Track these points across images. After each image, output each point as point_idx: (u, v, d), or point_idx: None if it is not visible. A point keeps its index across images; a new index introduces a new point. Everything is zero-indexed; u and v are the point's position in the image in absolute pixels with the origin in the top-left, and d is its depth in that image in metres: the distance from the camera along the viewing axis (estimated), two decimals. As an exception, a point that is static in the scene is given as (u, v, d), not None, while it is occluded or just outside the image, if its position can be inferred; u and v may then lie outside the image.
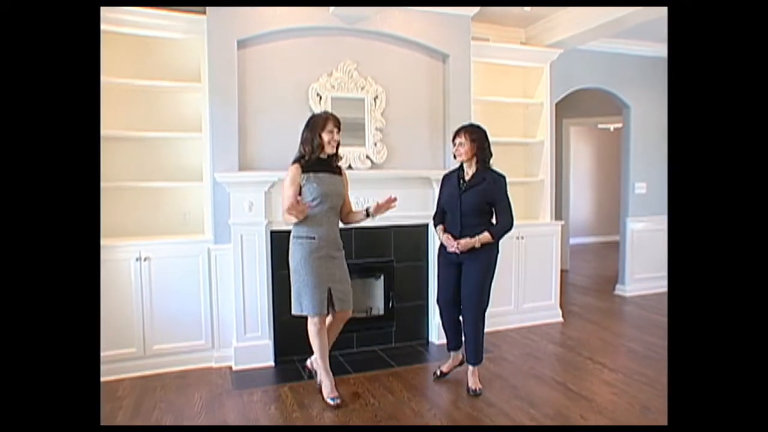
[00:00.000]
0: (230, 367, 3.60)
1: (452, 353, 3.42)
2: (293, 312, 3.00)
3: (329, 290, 2.95)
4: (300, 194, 2.88)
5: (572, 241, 8.07)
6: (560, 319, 4.71)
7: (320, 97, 3.77)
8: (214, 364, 3.63)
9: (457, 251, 3.07)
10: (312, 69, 3.77)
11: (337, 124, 2.96)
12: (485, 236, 3.03)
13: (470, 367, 3.22)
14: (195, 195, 3.84)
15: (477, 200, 3.05)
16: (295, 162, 2.93)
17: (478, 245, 3.03)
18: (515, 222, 3.14)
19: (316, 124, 2.92)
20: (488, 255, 3.10)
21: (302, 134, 2.95)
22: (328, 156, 2.96)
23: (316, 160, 2.92)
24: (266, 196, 3.57)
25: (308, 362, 3.32)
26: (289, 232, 3.58)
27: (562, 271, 4.99)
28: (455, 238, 3.10)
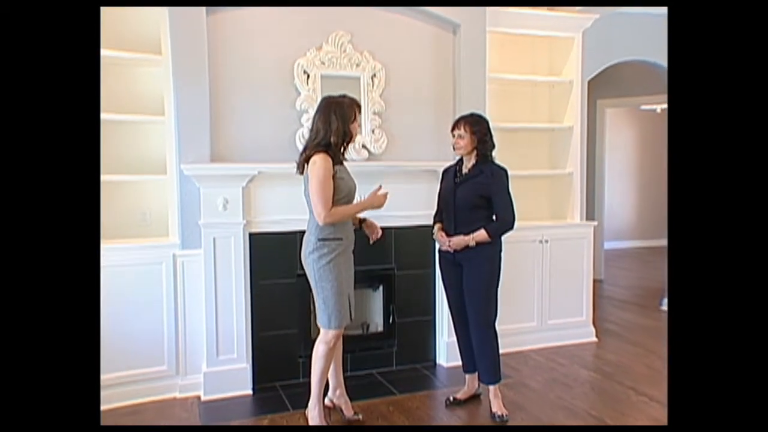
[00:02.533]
0: (198, 397, 3.56)
1: (467, 376, 3.46)
2: (323, 327, 3.01)
3: (348, 297, 3.03)
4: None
5: (607, 245, 8.00)
6: (593, 338, 4.67)
7: (308, 75, 3.75)
8: (178, 395, 3.59)
9: (450, 249, 3.20)
10: (298, 41, 3.75)
11: (360, 110, 3.05)
12: (480, 234, 3.12)
13: (490, 389, 3.26)
14: (157, 190, 3.79)
15: (471, 194, 3.18)
16: (320, 151, 2.91)
17: (472, 243, 3.14)
18: (516, 221, 3.23)
19: (347, 112, 2.96)
20: (489, 256, 3.19)
21: (326, 121, 2.93)
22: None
23: (337, 150, 2.99)
24: (244, 192, 3.56)
25: (326, 400, 3.27)
26: (274, 234, 3.65)
27: (595, 281, 4.96)
28: (449, 235, 3.23)
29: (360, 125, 3.06)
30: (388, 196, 3.06)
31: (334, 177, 2.90)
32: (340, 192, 2.93)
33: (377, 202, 3.04)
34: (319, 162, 2.87)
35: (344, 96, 3.03)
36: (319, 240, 2.94)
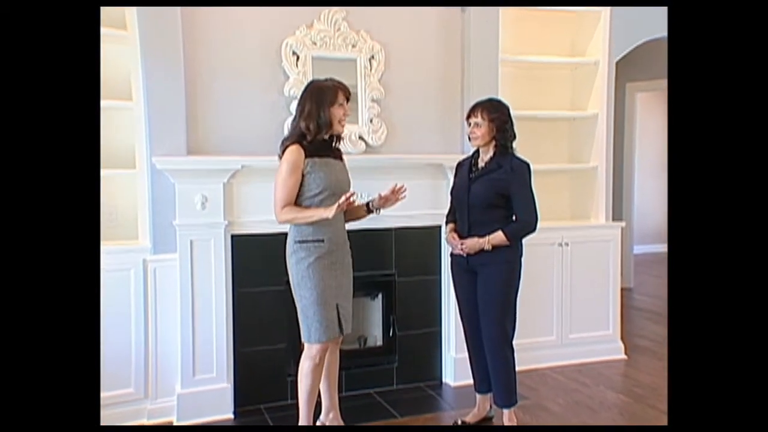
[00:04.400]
0: (171, 423, 3.53)
1: (478, 397, 3.45)
2: (305, 340, 3.03)
3: (336, 307, 3.02)
4: (301, 185, 2.95)
5: (637, 249, 8.01)
6: (622, 355, 4.65)
7: (297, 57, 3.76)
8: (146, 421, 3.55)
9: (462, 253, 3.19)
10: (286, 17, 3.74)
11: (348, 95, 3.06)
12: (497, 236, 3.11)
13: (504, 412, 3.27)
14: (125, 187, 3.74)
15: (487, 191, 3.17)
16: (294, 142, 2.96)
17: (488, 247, 3.12)
18: (539, 222, 3.22)
19: (323, 95, 2.98)
20: (507, 261, 3.18)
21: (301, 106, 3.01)
22: (331, 136, 3.06)
23: (320, 141, 3.00)
24: (225, 189, 3.56)
25: (319, 423, 3.27)
26: (260, 236, 3.65)
27: (622, 289, 4.93)
28: (461, 237, 3.22)
29: (347, 112, 3.04)
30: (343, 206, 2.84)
31: (303, 171, 2.91)
32: (314, 188, 2.94)
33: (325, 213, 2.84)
34: (285, 155, 2.92)
35: (329, 79, 3.04)
36: (297, 242, 2.97)
